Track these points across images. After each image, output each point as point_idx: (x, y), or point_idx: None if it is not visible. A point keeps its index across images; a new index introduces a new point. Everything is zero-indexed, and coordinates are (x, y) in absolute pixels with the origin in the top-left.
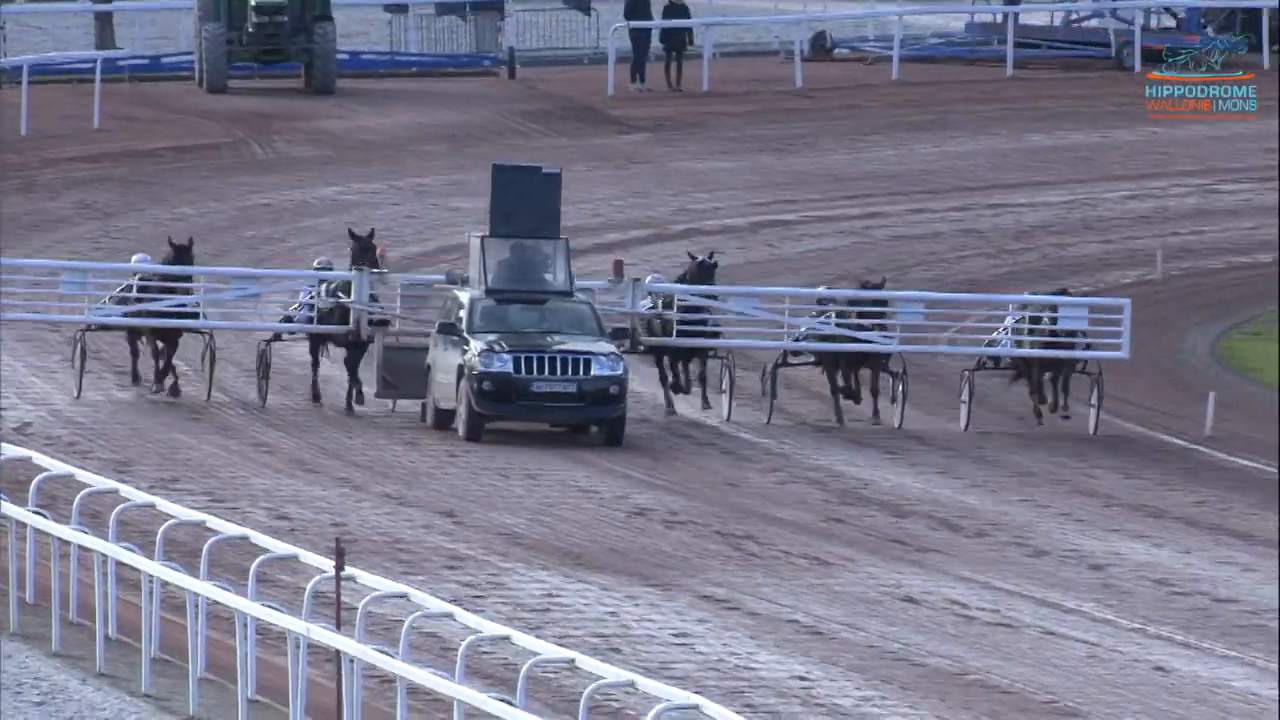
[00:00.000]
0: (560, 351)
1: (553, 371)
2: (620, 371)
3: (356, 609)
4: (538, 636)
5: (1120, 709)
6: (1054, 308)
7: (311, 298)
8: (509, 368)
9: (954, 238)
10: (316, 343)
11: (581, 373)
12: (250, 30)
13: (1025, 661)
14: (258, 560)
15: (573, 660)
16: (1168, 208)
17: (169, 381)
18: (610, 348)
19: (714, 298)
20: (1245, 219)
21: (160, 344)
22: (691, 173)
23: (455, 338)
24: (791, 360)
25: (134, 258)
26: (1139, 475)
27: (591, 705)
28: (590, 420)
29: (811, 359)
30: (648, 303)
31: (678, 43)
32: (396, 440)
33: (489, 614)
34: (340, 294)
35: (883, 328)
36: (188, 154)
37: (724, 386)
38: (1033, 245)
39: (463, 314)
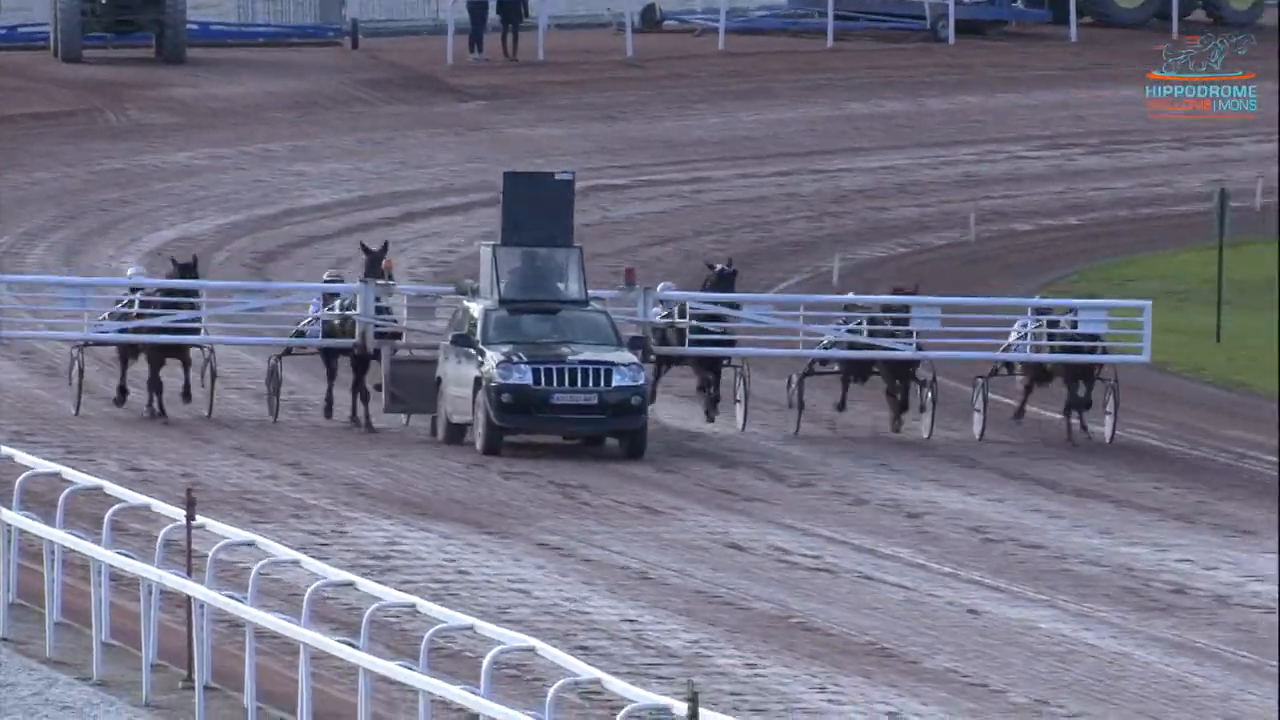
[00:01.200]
0: (580, 362)
1: (573, 383)
2: (641, 382)
3: (207, 556)
4: (380, 582)
5: (934, 649)
6: (1073, 311)
7: (318, 310)
8: (528, 379)
9: (777, 201)
10: (329, 356)
11: (603, 383)
12: (103, 1)
13: (845, 605)
14: (111, 509)
15: (414, 605)
16: (980, 173)
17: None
18: (631, 357)
19: (732, 305)
20: (1054, 184)
21: (165, 362)
22: (527, 139)
23: (469, 349)
24: (819, 369)
25: (129, 271)
26: (952, 428)
27: (432, 648)
28: (611, 432)
29: (835, 367)
30: (660, 310)
31: (514, 14)
32: (248, 395)
33: (334, 561)
34: (350, 308)
35: (905, 334)
36: (43, 121)
37: (738, 396)
38: (851, 209)
39: (476, 325)
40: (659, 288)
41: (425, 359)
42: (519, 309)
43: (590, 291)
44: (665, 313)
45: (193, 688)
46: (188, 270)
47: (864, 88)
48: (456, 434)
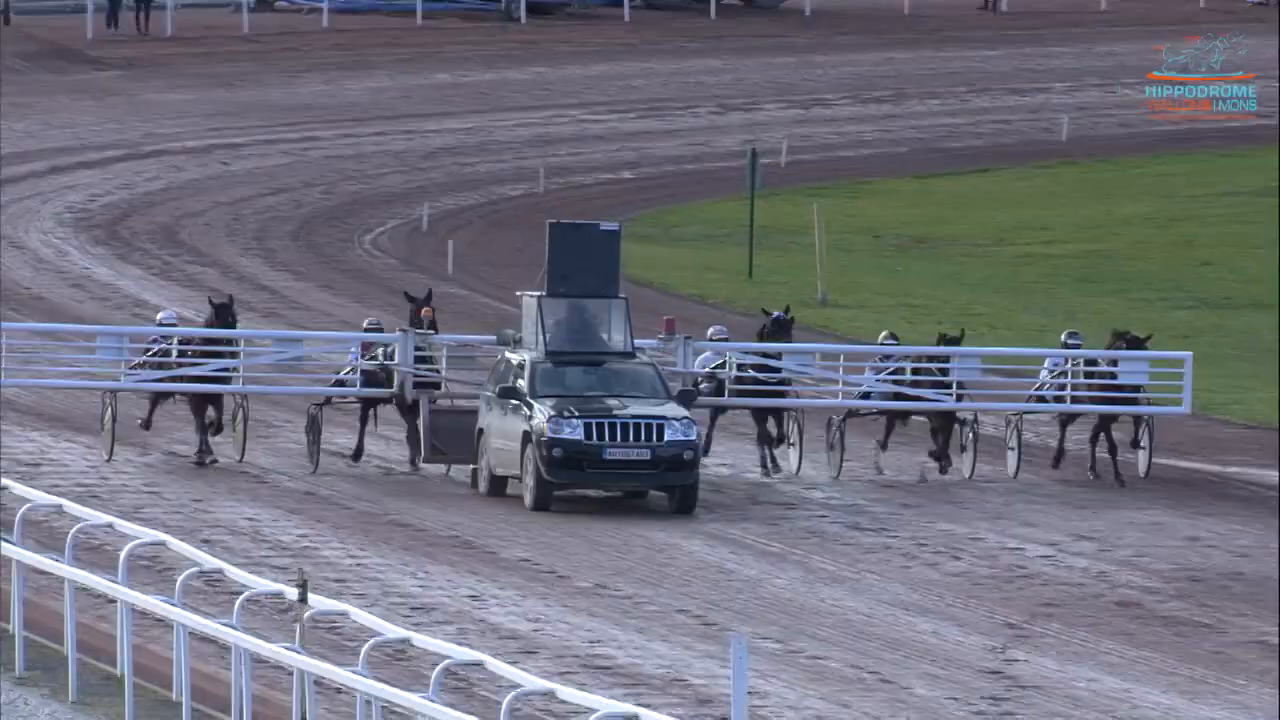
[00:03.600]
0: (632, 417)
1: (625, 438)
2: (694, 436)
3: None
4: (33, 487)
5: (511, 542)
6: (1115, 361)
7: (359, 360)
8: (580, 434)
9: (375, 158)
10: (367, 406)
11: (655, 439)
12: None
13: (431, 504)
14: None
15: (60, 506)
16: (549, 134)
17: (210, 440)
18: (683, 412)
19: (773, 355)
20: (611, 143)
21: (209, 409)
22: (158, 103)
23: (515, 402)
24: (861, 412)
25: (159, 316)
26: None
27: (75, 544)
28: (664, 487)
29: (874, 412)
30: (707, 356)
31: None
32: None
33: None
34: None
35: (946, 385)
36: None
37: (792, 439)
38: (439, 164)
39: (521, 377)
40: (709, 332)
41: (465, 409)
42: (566, 361)
43: (635, 342)
44: (719, 361)
45: None
46: (224, 310)
47: (450, 60)
48: (499, 486)
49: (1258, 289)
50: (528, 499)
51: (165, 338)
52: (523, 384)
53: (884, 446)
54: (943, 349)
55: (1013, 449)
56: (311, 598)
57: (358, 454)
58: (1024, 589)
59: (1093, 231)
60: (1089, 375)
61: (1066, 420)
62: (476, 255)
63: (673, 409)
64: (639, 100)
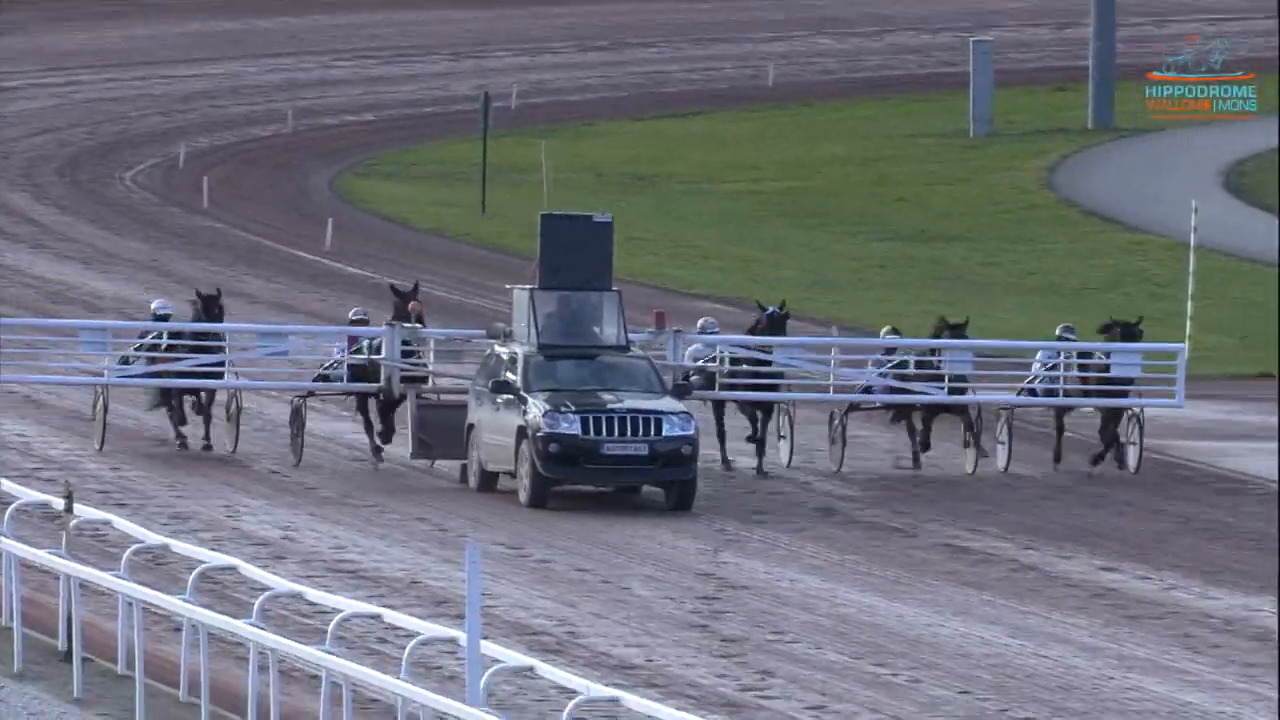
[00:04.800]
0: (629, 411)
1: (622, 432)
2: (692, 431)
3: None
4: None
5: (260, 458)
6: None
7: (343, 353)
8: (576, 429)
9: (136, 101)
10: (363, 399)
11: (653, 433)
12: None
13: (191, 426)
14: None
15: None
16: (297, 79)
17: (202, 435)
18: (680, 406)
19: (764, 349)
20: (355, 87)
21: (199, 398)
22: None
23: (509, 396)
24: (862, 406)
25: (153, 305)
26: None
27: None
28: (661, 483)
29: (876, 406)
30: (696, 348)
31: None
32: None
33: None
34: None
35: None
36: None
37: (783, 432)
38: (195, 107)
39: (515, 371)
40: (700, 324)
41: (453, 404)
42: (559, 354)
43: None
44: (710, 355)
45: None
46: (211, 302)
47: (206, 9)
48: (490, 481)
49: (947, 223)
50: (523, 495)
51: (152, 332)
52: (515, 378)
53: (924, 445)
54: (941, 342)
55: (1002, 443)
56: (77, 507)
57: (378, 448)
58: (736, 497)
59: (797, 170)
60: (1082, 369)
61: (1062, 412)
62: (229, 191)
63: (669, 403)
64: (380, 48)
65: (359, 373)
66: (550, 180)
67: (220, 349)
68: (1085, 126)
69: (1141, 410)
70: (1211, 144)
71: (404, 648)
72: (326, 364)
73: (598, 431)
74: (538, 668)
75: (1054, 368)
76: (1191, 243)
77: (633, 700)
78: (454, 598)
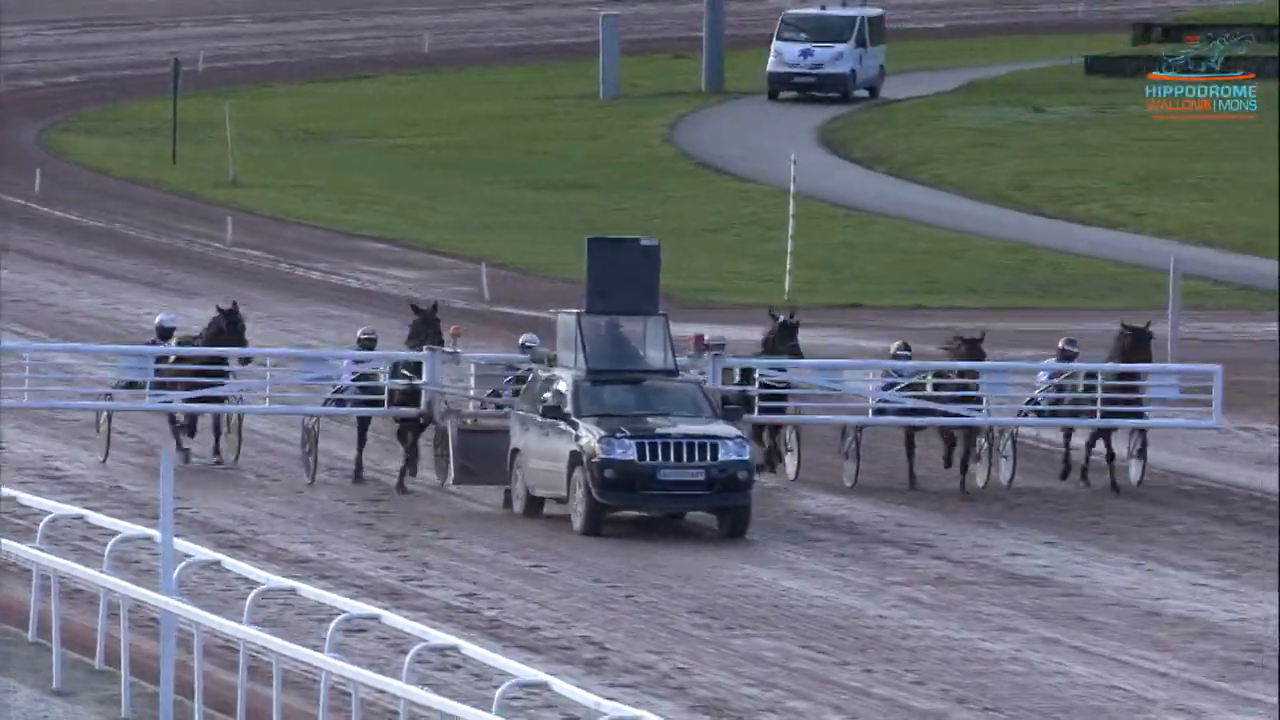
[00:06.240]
0: (684, 436)
1: (679, 458)
2: (747, 456)
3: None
4: None
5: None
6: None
7: (358, 375)
8: (632, 454)
9: None
10: (365, 422)
11: (709, 458)
12: None
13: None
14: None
15: None
16: (3, 45)
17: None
18: (736, 431)
19: (782, 369)
20: (60, 54)
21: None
22: None
23: (558, 422)
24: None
25: (158, 319)
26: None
27: None
28: (718, 508)
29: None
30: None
31: None
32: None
33: None
34: (406, 372)
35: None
36: None
37: (789, 445)
38: None
39: (564, 396)
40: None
41: (494, 429)
42: (607, 379)
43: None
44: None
45: None
46: (231, 316)
47: None
48: (535, 506)
49: (582, 174)
50: (577, 523)
51: (162, 334)
52: (563, 403)
53: (947, 464)
54: (969, 364)
55: (1006, 457)
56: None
57: (358, 474)
58: None
59: (452, 127)
60: (1089, 389)
61: (1069, 430)
62: None
63: (723, 428)
64: (83, 17)
65: (401, 397)
66: (233, 135)
67: (245, 371)
68: (699, 89)
69: (1144, 430)
70: (806, 105)
71: (105, 545)
72: (336, 386)
73: (653, 457)
74: (224, 561)
75: (1060, 388)
76: (792, 190)
77: (307, 589)
78: (151, 501)
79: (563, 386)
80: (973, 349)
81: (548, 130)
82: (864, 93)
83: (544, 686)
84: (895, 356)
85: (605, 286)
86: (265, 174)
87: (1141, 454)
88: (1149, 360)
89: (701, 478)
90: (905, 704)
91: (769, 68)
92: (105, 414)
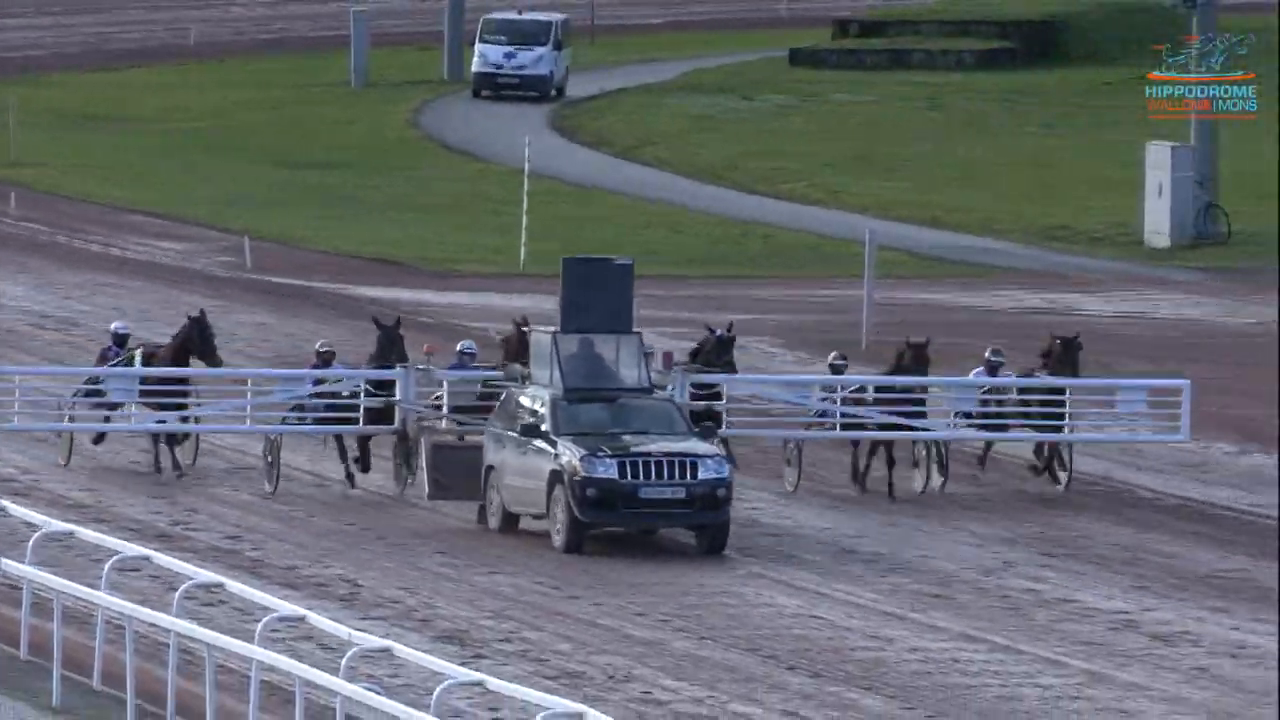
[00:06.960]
0: (665, 454)
1: (659, 476)
2: (726, 473)
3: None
4: None
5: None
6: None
7: (323, 392)
8: (614, 473)
9: None
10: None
11: (689, 476)
12: None
13: None
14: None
15: None
16: None
17: (181, 460)
18: (715, 449)
19: (714, 385)
20: None
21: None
22: None
23: (536, 440)
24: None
25: (113, 325)
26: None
27: None
28: (697, 526)
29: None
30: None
31: None
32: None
33: None
34: (369, 387)
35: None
36: None
37: (788, 457)
38: None
39: (536, 414)
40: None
41: (467, 445)
42: (585, 397)
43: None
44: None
45: None
46: (200, 325)
47: None
48: (512, 523)
49: (336, 155)
50: (558, 540)
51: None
52: (541, 422)
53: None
54: (921, 380)
55: (940, 464)
56: None
57: (352, 478)
58: None
59: (217, 111)
60: (1024, 404)
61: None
62: None
63: (701, 445)
64: None
65: (376, 415)
66: (15, 119)
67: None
68: (441, 78)
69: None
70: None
71: None
72: (293, 402)
73: (634, 475)
74: (9, 507)
75: (984, 403)
76: (526, 170)
77: (87, 533)
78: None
79: (540, 405)
80: (918, 354)
81: (304, 115)
82: (554, 92)
83: (301, 620)
84: (832, 366)
85: (580, 305)
86: (45, 154)
87: (1069, 466)
88: (1077, 369)
89: (683, 495)
90: (628, 633)
91: (474, 68)
92: (68, 419)
